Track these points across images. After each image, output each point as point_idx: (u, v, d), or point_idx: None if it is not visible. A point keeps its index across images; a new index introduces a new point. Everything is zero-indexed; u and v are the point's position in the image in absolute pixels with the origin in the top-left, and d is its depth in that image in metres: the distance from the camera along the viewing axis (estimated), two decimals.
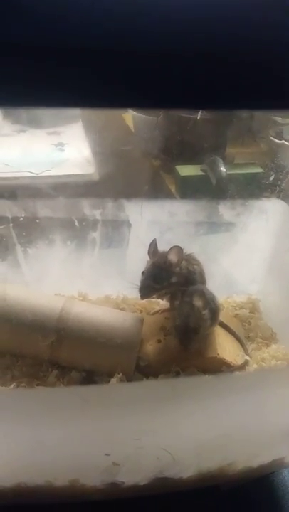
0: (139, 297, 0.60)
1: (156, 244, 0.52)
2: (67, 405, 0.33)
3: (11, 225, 0.54)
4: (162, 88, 0.24)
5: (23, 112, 1.00)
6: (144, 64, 0.23)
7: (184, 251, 0.52)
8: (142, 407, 0.34)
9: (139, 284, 0.51)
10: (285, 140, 0.72)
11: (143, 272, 0.51)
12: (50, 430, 0.33)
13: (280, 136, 0.77)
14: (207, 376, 0.45)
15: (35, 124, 1.03)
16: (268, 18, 0.23)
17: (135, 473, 0.39)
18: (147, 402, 0.34)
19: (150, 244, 0.53)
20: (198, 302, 0.49)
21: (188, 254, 0.53)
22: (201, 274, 0.53)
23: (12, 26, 0.21)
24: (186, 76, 0.23)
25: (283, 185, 0.63)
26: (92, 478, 0.38)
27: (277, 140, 0.76)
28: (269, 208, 0.62)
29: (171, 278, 0.51)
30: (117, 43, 0.22)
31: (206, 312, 0.49)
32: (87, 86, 0.23)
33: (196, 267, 0.53)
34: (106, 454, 0.36)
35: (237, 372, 0.48)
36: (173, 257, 0.50)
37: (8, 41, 0.21)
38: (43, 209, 0.56)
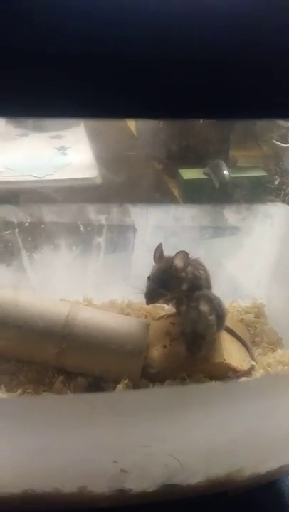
0: (144, 302, 0.60)
1: (162, 249, 0.52)
2: (74, 412, 0.33)
3: (17, 230, 0.54)
4: (165, 99, 0.24)
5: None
6: (146, 74, 0.23)
7: (190, 256, 0.52)
8: (150, 414, 0.34)
9: (144, 289, 0.51)
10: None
11: (149, 277, 0.51)
12: (58, 437, 0.33)
13: (284, 139, 0.77)
14: (214, 383, 0.45)
15: (38, 127, 1.04)
16: (269, 25, 0.23)
17: (143, 480, 0.39)
18: (155, 409, 0.34)
19: (156, 249, 0.53)
20: (204, 307, 0.49)
21: (194, 259, 0.53)
22: (207, 279, 0.53)
23: (12, 36, 0.21)
24: (188, 86, 0.23)
25: (288, 189, 0.63)
26: (100, 485, 0.38)
27: (281, 144, 0.76)
28: (274, 212, 0.62)
29: (177, 283, 0.50)
30: (117, 52, 0.22)
31: (212, 318, 0.49)
32: (89, 97, 0.23)
33: (201, 272, 0.53)
34: (114, 461, 0.36)
35: (244, 379, 0.48)
36: (179, 262, 0.50)
37: (9, 51, 0.21)
38: (48, 214, 0.56)
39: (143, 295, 0.51)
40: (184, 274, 0.51)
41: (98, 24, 0.21)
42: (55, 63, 0.22)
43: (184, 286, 0.51)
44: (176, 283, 0.50)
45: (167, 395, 0.35)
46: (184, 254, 0.50)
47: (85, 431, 0.34)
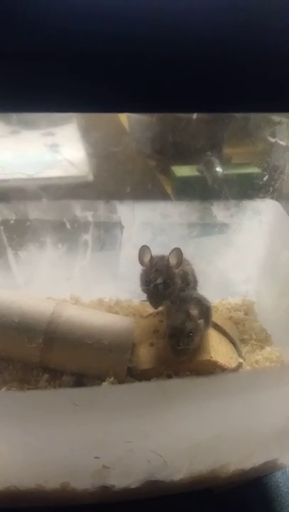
0: (132, 300, 0.60)
1: (149, 250, 0.51)
2: (57, 408, 0.33)
3: (2, 227, 0.54)
4: (160, 92, 0.24)
5: (17, 113, 1.00)
6: (143, 68, 0.23)
7: None
8: (133, 410, 0.34)
9: (142, 292, 0.50)
10: (278, 139, 0.72)
11: (148, 281, 0.50)
12: (40, 433, 0.33)
13: (273, 135, 0.76)
14: (198, 378, 0.45)
15: (29, 125, 1.03)
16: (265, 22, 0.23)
17: (126, 476, 0.39)
18: (138, 405, 0.34)
19: (140, 251, 0.51)
20: (194, 311, 0.48)
21: None
22: (193, 274, 0.53)
23: (10, 34, 0.21)
24: (183, 80, 0.24)
25: (277, 185, 0.63)
26: (83, 481, 0.38)
27: (271, 139, 0.75)
28: (263, 208, 0.61)
29: (174, 281, 0.50)
30: (116, 47, 0.22)
31: (201, 321, 0.49)
32: (86, 91, 0.23)
33: (187, 267, 0.53)
34: (96, 457, 0.36)
35: (228, 374, 0.47)
36: (173, 260, 0.50)
37: (6, 48, 0.21)
38: (35, 211, 0.56)
39: (135, 296, 0.51)
40: (176, 270, 0.51)
41: (96, 20, 0.22)
42: (53, 60, 0.22)
43: (179, 283, 0.51)
44: (174, 281, 0.50)
45: (149, 390, 0.35)
46: (179, 251, 0.50)
47: (67, 427, 0.34)
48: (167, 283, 0.49)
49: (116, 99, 0.24)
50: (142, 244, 0.52)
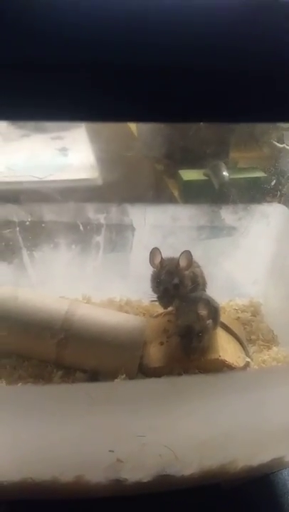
0: (142, 300, 0.61)
1: (159, 252, 0.53)
2: (72, 402, 0.34)
3: (18, 228, 0.56)
4: (166, 102, 0.25)
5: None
6: (148, 78, 0.24)
7: None
8: (146, 405, 0.35)
9: (153, 293, 0.52)
10: (287, 145, 0.73)
11: (158, 282, 0.51)
12: (56, 426, 0.35)
13: (281, 140, 0.78)
14: (209, 375, 0.46)
15: (39, 129, 1.05)
16: (267, 31, 0.24)
17: (138, 470, 0.40)
18: (150, 400, 0.35)
19: (151, 254, 0.53)
20: (203, 312, 0.49)
21: None
22: (202, 276, 0.55)
23: (14, 44, 0.22)
24: (188, 90, 0.25)
25: (284, 190, 0.64)
26: (97, 474, 0.40)
27: (278, 144, 0.77)
28: (270, 212, 0.63)
29: (184, 283, 0.52)
30: (121, 57, 0.23)
31: (210, 322, 0.50)
32: (93, 101, 0.24)
33: (197, 269, 0.54)
34: (110, 451, 0.37)
35: (237, 372, 0.49)
36: (183, 262, 0.51)
37: (12, 57, 0.22)
38: (48, 213, 0.57)
39: (146, 297, 0.52)
40: (191, 274, 0.52)
41: (101, 30, 0.23)
42: (60, 68, 0.23)
43: (188, 284, 0.52)
44: (184, 282, 0.51)
45: (161, 386, 0.37)
46: (188, 253, 0.51)
47: (82, 420, 0.35)
48: (177, 284, 0.51)
49: (119, 109, 0.25)
50: (153, 247, 0.53)
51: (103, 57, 0.23)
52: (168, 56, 0.24)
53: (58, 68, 0.23)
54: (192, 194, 0.92)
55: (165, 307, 0.52)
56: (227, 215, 0.63)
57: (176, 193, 0.96)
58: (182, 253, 0.51)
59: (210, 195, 0.87)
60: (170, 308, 0.57)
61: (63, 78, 0.23)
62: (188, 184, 0.94)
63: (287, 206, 0.62)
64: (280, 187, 0.65)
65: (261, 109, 0.26)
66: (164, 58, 0.24)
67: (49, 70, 0.23)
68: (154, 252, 0.53)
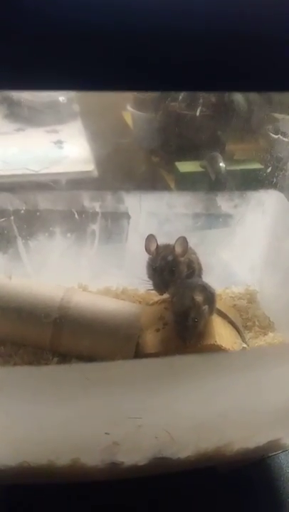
0: (138, 289, 0.61)
1: (155, 239, 0.53)
2: (68, 383, 0.34)
3: (12, 217, 0.56)
4: (161, 69, 0.24)
5: (23, 111, 1.02)
6: (144, 45, 0.23)
7: None
8: (141, 385, 0.35)
9: (148, 279, 0.52)
10: (280, 135, 0.74)
11: (154, 269, 0.51)
12: (52, 408, 0.35)
13: (276, 131, 0.78)
14: (206, 355, 0.46)
15: (35, 122, 1.05)
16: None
17: (134, 453, 0.40)
18: (146, 381, 0.35)
19: (147, 240, 0.53)
20: (199, 298, 0.49)
21: None
22: (198, 262, 0.55)
23: (8, 13, 0.22)
24: (185, 56, 0.24)
25: (280, 176, 0.64)
26: (93, 457, 0.40)
27: (273, 135, 0.77)
28: (266, 199, 0.63)
29: (180, 269, 0.52)
30: (116, 24, 0.23)
31: (206, 307, 0.50)
32: (88, 68, 0.24)
33: (193, 256, 0.54)
34: (106, 433, 0.37)
35: (233, 352, 0.49)
36: (178, 248, 0.51)
37: (5, 27, 0.22)
38: (44, 202, 0.57)
39: (141, 283, 0.52)
40: (182, 258, 0.52)
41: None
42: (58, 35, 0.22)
43: (184, 270, 0.52)
44: (180, 269, 0.52)
45: (157, 366, 0.37)
46: (184, 240, 0.51)
47: (77, 402, 0.35)
48: (173, 270, 0.51)
49: (116, 76, 0.24)
50: (149, 234, 0.53)
51: (95, 22, 0.23)
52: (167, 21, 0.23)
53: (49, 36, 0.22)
54: (189, 186, 0.92)
55: (160, 293, 0.52)
56: (223, 202, 0.63)
57: (172, 185, 0.96)
58: (177, 239, 0.51)
59: (206, 186, 0.87)
60: (166, 296, 0.57)
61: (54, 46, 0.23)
62: (185, 176, 0.94)
63: (282, 192, 0.62)
64: (276, 174, 0.65)
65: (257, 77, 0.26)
66: (160, 25, 0.23)
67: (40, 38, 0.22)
68: (150, 238, 0.53)
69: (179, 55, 0.24)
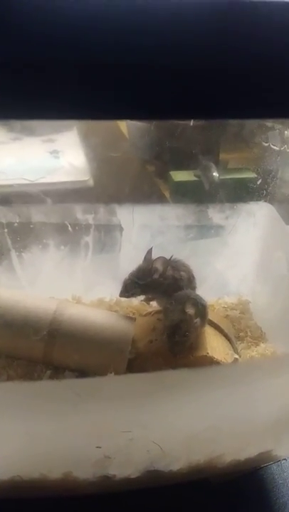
0: (132, 300, 0.62)
1: (150, 252, 0.54)
2: (59, 398, 0.34)
3: (6, 230, 0.56)
4: (157, 100, 0.25)
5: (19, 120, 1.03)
6: (138, 76, 0.24)
7: (174, 257, 0.54)
8: (132, 400, 0.36)
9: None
10: (272, 144, 0.74)
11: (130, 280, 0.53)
12: (43, 422, 0.35)
13: (266, 140, 0.79)
14: (196, 370, 0.46)
15: (30, 132, 1.06)
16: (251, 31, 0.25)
17: (126, 466, 0.41)
18: (137, 395, 0.36)
19: (147, 253, 0.54)
20: (190, 311, 0.50)
21: (176, 261, 0.55)
22: (190, 279, 0.55)
23: (7, 43, 0.22)
24: (179, 88, 0.25)
25: (270, 188, 0.65)
26: (85, 470, 0.40)
27: (263, 144, 0.78)
28: (257, 210, 0.64)
29: (153, 285, 0.53)
30: (114, 56, 0.23)
31: (197, 320, 0.50)
32: (84, 99, 0.24)
33: (182, 273, 0.54)
34: (97, 447, 0.37)
35: (224, 366, 0.49)
36: (158, 266, 0.52)
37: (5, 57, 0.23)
38: (38, 214, 0.58)
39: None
40: (161, 279, 0.53)
41: (95, 29, 0.23)
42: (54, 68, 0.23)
43: (162, 289, 0.53)
44: (153, 285, 0.53)
45: (148, 381, 0.37)
46: (163, 260, 0.52)
47: (69, 416, 0.36)
48: (140, 280, 0.52)
49: (113, 106, 0.25)
50: (141, 246, 0.54)
51: (92, 56, 0.23)
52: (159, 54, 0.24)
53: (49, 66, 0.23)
54: (183, 195, 0.93)
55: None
56: (215, 214, 0.64)
57: (166, 194, 0.97)
58: (157, 258, 0.53)
59: (201, 195, 0.88)
60: (155, 304, 0.58)
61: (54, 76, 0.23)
62: (179, 185, 0.94)
63: (272, 204, 0.62)
64: (266, 186, 0.66)
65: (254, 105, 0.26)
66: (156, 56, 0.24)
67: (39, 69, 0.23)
68: (149, 251, 0.54)
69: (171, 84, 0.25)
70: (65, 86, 0.24)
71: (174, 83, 0.25)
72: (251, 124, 0.94)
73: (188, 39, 0.24)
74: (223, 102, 0.26)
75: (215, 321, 0.57)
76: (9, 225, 0.56)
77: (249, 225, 0.63)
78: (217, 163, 0.95)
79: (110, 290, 0.61)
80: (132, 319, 0.53)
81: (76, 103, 0.25)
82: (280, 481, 0.50)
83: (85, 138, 1.04)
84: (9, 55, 0.23)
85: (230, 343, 0.57)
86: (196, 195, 0.90)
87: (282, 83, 0.25)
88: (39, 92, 0.24)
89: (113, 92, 0.24)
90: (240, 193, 0.82)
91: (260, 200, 0.66)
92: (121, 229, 0.61)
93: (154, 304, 0.60)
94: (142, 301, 0.61)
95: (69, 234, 0.59)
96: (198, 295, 0.53)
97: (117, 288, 0.61)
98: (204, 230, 0.64)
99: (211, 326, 0.57)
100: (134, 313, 0.60)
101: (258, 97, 0.26)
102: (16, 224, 0.57)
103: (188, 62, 0.24)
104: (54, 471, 0.39)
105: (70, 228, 0.59)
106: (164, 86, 0.25)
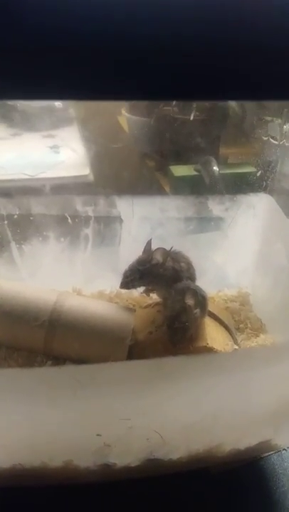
0: (132, 292, 0.62)
1: (150, 244, 0.54)
2: (59, 385, 0.34)
3: (6, 222, 0.56)
4: (154, 79, 0.25)
5: (19, 116, 1.03)
6: (137, 55, 0.24)
7: (174, 248, 0.54)
8: (131, 386, 0.36)
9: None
10: (271, 137, 0.74)
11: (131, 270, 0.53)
12: (44, 410, 0.35)
13: (265, 133, 0.79)
14: (196, 357, 0.46)
15: (31, 127, 1.06)
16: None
17: (126, 455, 0.41)
18: (136, 381, 0.36)
19: (146, 244, 0.54)
20: (190, 301, 0.50)
21: (176, 252, 0.55)
22: (190, 270, 0.55)
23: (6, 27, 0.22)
24: (177, 66, 0.25)
25: (269, 180, 0.65)
26: (85, 459, 0.40)
27: (263, 137, 0.78)
28: (256, 202, 0.64)
29: (153, 276, 0.53)
30: (113, 35, 0.23)
31: (197, 311, 0.51)
32: (84, 79, 0.24)
33: (182, 264, 0.54)
34: (97, 435, 0.38)
35: (223, 354, 0.49)
36: (157, 257, 0.52)
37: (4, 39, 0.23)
38: (38, 206, 0.58)
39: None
40: (161, 270, 0.53)
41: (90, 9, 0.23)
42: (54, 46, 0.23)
43: (162, 280, 0.53)
44: (153, 276, 0.53)
45: (148, 367, 0.37)
46: (163, 251, 0.52)
47: (70, 404, 0.36)
48: (140, 272, 0.52)
49: (114, 87, 0.25)
50: (141, 238, 0.54)
51: (95, 35, 0.23)
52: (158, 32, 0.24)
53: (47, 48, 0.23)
54: (183, 189, 0.93)
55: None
56: (214, 205, 0.64)
57: (167, 188, 0.97)
58: (156, 249, 0.53)
59: (201, 190, 0.88)
60: (155, 296, 0.58)
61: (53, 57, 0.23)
62: (179, 179, 0.94)
63: (272, 196, 0.62)
64: (266, 177, 0.66)
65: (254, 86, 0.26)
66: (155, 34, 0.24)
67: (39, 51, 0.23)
68: (148, 242, 0.54)
69: (175, 63, 0.24)
70: (65, 67, 0.24)
71: (173, 62, 0.24)
72: (252, 118, 0.94)
73: (188, 19, 0.24)
74: (222, 82, 0.26)
75: (215, 312, 0.57)
76: (9, 217, 0.56)
77: (249, 216, 0.63)
78: (217, 157, 0.95)
79: (110, 282, 0.61)
80: (132, 310, 0.53)
81: (75, 83, 0.24)
82: (280, 471, 0.50)
83: (85, 133, 1.04)
84: (11, 33, 0.22)
85: (230, 334, 0.57)
86: (196, 189, 0.90)
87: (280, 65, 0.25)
88: (40, 72, 0.23)
89: (113, 71, 0.24)
90: (241, 187, 0.82)
91: (259, 190, 0.66)
92: (121, 221, 0.61)
93: (154, 296, 0.60)
94: (142, 293, 0.61)
95: (69, 226, 0.59)
96: (198, 286, 0.53)
97: (117, 280, 0.61)
98: (204, 222, 0.64)
99: (211, 317, 0.57)
100: (134, 305, 0.61)
101: (257, 78, 0.26)
102: (15, 216, 0.57)
103: (187, 42, 0.24)
104: (55, 460, 0.39)
105: (69, 220, 0.59)
106: (162, 66, 0.24)
